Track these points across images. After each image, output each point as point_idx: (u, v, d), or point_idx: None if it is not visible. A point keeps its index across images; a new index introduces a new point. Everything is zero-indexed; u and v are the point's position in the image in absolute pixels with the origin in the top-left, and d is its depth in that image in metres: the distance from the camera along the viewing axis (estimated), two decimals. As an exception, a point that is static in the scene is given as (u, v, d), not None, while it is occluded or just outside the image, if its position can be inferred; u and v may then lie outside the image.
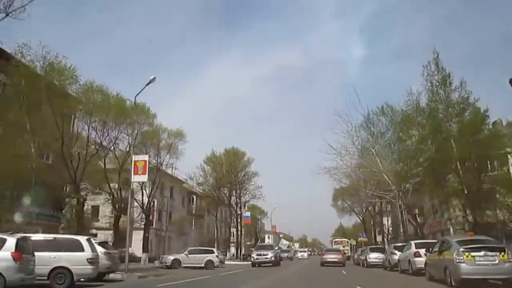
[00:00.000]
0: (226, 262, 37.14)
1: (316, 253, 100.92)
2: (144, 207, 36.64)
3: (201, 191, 58.46)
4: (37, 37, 58.32)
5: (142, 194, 36.77)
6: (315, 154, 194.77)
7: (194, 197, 59.59)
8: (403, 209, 30.88)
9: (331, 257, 31.32)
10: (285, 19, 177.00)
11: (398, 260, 20.22)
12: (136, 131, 28.42)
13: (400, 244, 24.03)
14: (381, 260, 25.75)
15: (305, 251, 75.61)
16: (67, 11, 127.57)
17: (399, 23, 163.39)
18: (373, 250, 29.03)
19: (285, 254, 53.04)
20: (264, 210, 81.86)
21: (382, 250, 28.69)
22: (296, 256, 66.91)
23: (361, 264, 29.98)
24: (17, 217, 20.04)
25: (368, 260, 27.50)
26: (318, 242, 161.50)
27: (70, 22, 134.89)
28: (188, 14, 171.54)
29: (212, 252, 31.22)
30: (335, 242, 70.51)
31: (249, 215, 60.93)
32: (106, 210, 37.68)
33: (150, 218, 38.19)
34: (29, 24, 25.58)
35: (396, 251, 21.60)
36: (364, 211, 61.81)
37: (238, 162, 57.80)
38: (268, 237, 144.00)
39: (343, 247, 56.78)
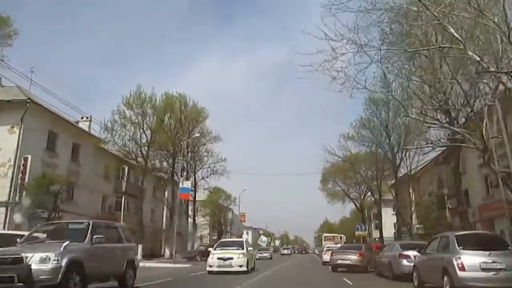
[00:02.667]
0: (154, 265, 26.31)
1: (296, 251, 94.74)
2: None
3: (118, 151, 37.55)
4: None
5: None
6: (301, 153, 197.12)
7: (126, 168, 38.23)
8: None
9: (346, 258, 20.65)
10: (275, 16, 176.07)
11: (415, 266, 13.28)
12: None
13: (410, 242, 21.30)
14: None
15: (288, 248, 75.96)
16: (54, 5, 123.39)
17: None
18: (408, 247, 16.39)
19: (265, 254, 44.73)
20: (231, 195, 62.55)
21: (419, 248, 15.73)
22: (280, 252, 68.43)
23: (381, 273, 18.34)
24: None
25: (402, 264, 15.35)
26: (301, 239, 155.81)
27: (56, 18, 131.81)
28: (174, 9, 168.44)
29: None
30: (325, 238, 58.36)
31: (189, 187, 34.02)
32: None
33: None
34: None
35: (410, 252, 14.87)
36: (362, 194, 50.69)
37: (187, 113, 40.33)
38: (247, 233, 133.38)
39: (335, 244, 43.76)
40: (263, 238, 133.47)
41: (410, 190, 39.80)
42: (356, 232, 49.46)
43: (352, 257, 20.31)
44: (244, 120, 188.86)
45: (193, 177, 43.75)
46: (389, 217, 56.21)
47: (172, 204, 41.38)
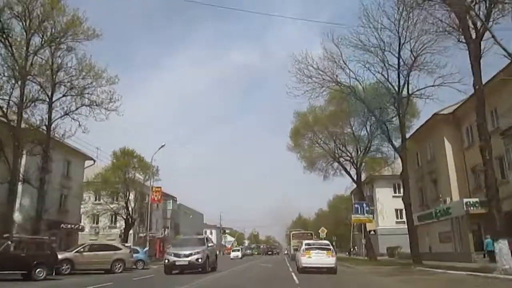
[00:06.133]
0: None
1: (256, 252, 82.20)
2: None
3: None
4: None
5: None
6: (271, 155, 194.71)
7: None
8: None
9: (317, 259, 17.55)
10: (245, 19, 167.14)
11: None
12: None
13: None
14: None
15: (238, 250, 56.87)
16: None
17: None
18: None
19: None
20: (154, 167, 37.88)
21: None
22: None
23: None
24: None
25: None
26: (273, 239, 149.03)
27: None
28: (145, 9, 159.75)
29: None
30: (293, 236, 53.50)
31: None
32: None
33: None
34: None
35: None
36: (360, 155, 32.57)
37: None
38: (211, 232, 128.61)
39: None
40: (228, 237, 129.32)
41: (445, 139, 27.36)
42: (353, 217, 32.50)
43: (323, 258, 17.47)
44: (213, 123, 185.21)
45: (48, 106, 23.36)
46: (388, 201, 46.46)
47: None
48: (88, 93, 24.96)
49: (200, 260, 17.62)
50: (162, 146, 32.59)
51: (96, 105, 24.93)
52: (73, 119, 24.70)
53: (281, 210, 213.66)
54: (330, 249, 18.16)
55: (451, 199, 27.06)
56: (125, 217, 35.23)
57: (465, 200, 24.44)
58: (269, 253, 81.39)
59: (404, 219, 47.02)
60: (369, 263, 24.40)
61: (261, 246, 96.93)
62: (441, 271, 15.76)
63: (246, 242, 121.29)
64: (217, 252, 19.56)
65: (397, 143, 30.74)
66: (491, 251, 22.35)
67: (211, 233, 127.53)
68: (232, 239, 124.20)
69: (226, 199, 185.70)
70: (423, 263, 20.58)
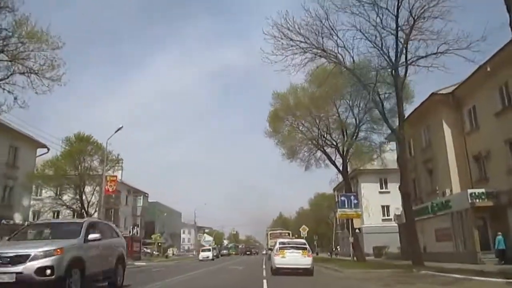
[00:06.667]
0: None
1: (233, 252, 76.83)
2: None
3: None
4: None
5: None
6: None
7: None
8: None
9: (291, 259, 16.25)
10: (230, 17, 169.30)
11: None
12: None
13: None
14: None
15: (209, 250, 48.36)
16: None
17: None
18: None
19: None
20: (116, 155, 33.72)
21: None
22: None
23: None
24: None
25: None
26: (254, 238, 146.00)
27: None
28: (129, 6, 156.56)
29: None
30: (271, 235, 49.90)
31: None
32: None
33: None
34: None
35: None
36: (346, 140, 27.52)
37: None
38: (189, 232, 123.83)
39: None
40: (207, 237, 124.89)
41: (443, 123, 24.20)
42: (339, 211, 27.61)
43: (299, 258, 16.12)
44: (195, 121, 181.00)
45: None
46: (374, 197, 43.61)
47: None
48: (23, 59, 20.61)
49: (48, 271, 7.46)
50: (119, 128, 28.04)
51: (35, 73, 20.59)
52: (6, 90, 20.32)
53: (262, 210, 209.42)
54: (306, 248, 16.75)
55: (451, 191, 23.54)
56: (79, 211, 30.47)
57: (469, 191, 20.93)
58: (247, 253, 77.26)
59: (391, 216, 44.66)
60: (358, 266, 20.60)
61: (240, 246, 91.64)
62: (458, 276, 12.02)
63: (226, 242, 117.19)
64: (123, 251, 10.32)
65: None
66: (503, 249, 18.99)
67: (189, 233, 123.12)
68: (211, 238, 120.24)
69: (206, 198, 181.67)
70: (425, 265, 16.88)
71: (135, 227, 56.28)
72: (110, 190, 28.47)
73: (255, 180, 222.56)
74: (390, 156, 32.23)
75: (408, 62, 18.69)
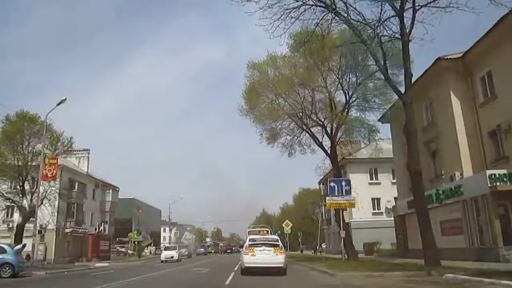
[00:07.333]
0: None
1: (212, 250, 71.25)
2: None
3: None
4: None
5: None
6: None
7: None
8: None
9: (262, 257, 14.88)
10: (215, 15, 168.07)
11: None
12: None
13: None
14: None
15: (174, 248, 40.12)
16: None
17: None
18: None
19: None
20: (62, 134, 29.36)
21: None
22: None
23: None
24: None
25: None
26: (237, 236, 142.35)
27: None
28: (107, 6, 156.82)
29: None
30: (250, 232, 45.49)
31: None
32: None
33: None
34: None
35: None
36: (335, 118, 23.04)
37: None
38: (170, 230, 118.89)
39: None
40: (188, 235, 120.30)
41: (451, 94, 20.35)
42: (327, 200, 21.59)
43: (270, 256, 15.15)
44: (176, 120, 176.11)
45: None
46: (364, 189, 38.22)
47: None
48: None
49: None
50: (62, 101, 23.13)
51: None
52: None
53: (249, 209, 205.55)
54: (278, 245, 15.63)
55: (461, 174, 19.52)
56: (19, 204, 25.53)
57: (488, 172, 16.90)
58: (228, 251, 72.05)
59: (382, 209, 40.79)
60: (352, 266, 16.40)
61: (221, 244, 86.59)
62: (504, 282, 7.84)
63: (208, 240, 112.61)
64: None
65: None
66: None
67: (170, 231, 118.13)
68: (192, 236, 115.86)
69: (190, 197, 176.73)
70: (443, 266, 12.68)
71: (104, 224, 51.25)
72: (49, 175, 23.52)
73: (241, 179, 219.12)
74: (381, 144, 28.49)
75: (416, 5, 14.39)
